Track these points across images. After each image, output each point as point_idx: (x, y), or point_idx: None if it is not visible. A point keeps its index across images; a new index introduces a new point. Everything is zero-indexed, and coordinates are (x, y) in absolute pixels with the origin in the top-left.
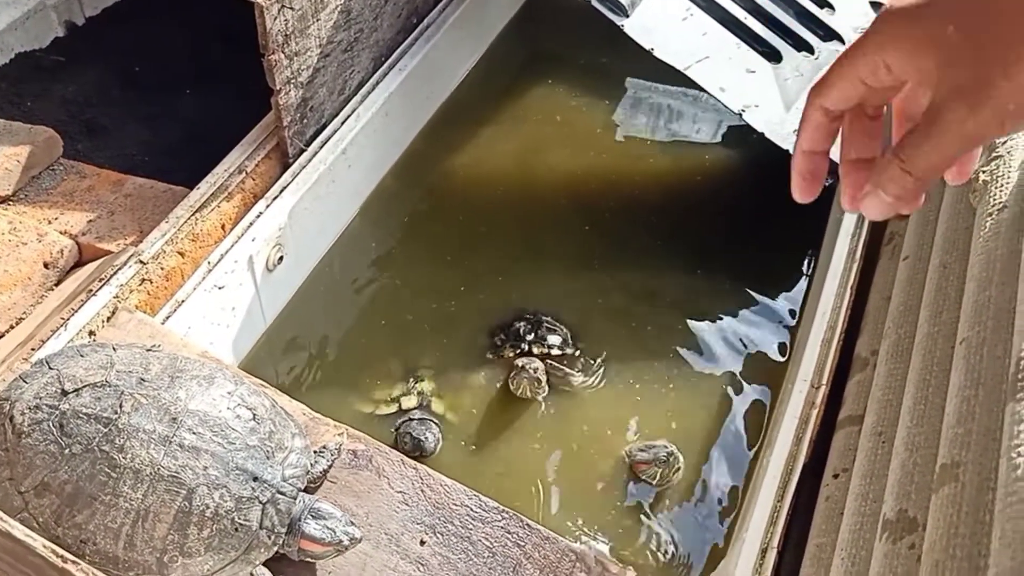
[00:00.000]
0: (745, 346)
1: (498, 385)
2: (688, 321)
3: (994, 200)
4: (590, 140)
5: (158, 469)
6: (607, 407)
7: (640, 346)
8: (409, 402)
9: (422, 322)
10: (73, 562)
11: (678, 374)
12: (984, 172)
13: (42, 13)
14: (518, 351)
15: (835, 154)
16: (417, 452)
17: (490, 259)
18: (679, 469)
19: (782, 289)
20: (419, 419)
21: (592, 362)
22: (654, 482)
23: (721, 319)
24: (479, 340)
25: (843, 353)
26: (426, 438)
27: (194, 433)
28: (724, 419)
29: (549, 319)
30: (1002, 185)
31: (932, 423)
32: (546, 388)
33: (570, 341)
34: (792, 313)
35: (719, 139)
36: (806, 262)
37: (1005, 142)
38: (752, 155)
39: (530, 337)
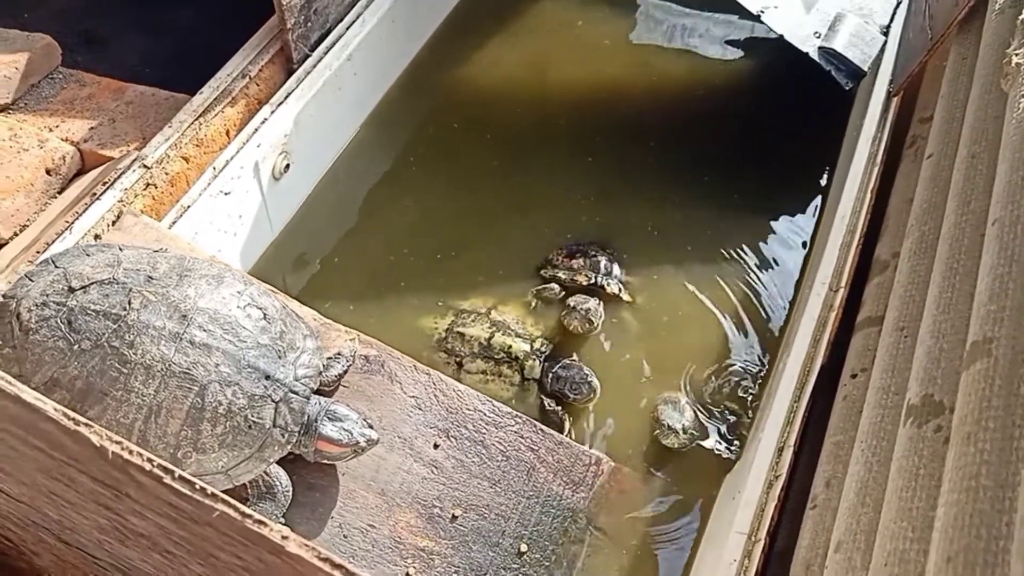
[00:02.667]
0: (768, 257)
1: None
2: (713, 239)
3: None
4: (601, 52)
5: (169, 365)
6: (651, 339)
7: (672, 271)
8: (523, 346)
9: (436, 244)
10: (86, 425)
11: (709, 292)
12: (1018, 55)
13: None
14: (568, 282)
15: (857, 58)
16: (591, 394)
17: (498, 178)
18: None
19: (800, 202)
20: (561, 364)
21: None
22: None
23: (744, 235)
24: (506, 266)
25: (863, 258)
26: (586, 374)
27: (205, 330)
28: (747, 330)
29: (593, 248)
30: None
31: (959, 309)
32: (599, 325)
33: (611, 270)
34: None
35: (734, 52)
36: (825, 175)
37: None
38: (769, 65)
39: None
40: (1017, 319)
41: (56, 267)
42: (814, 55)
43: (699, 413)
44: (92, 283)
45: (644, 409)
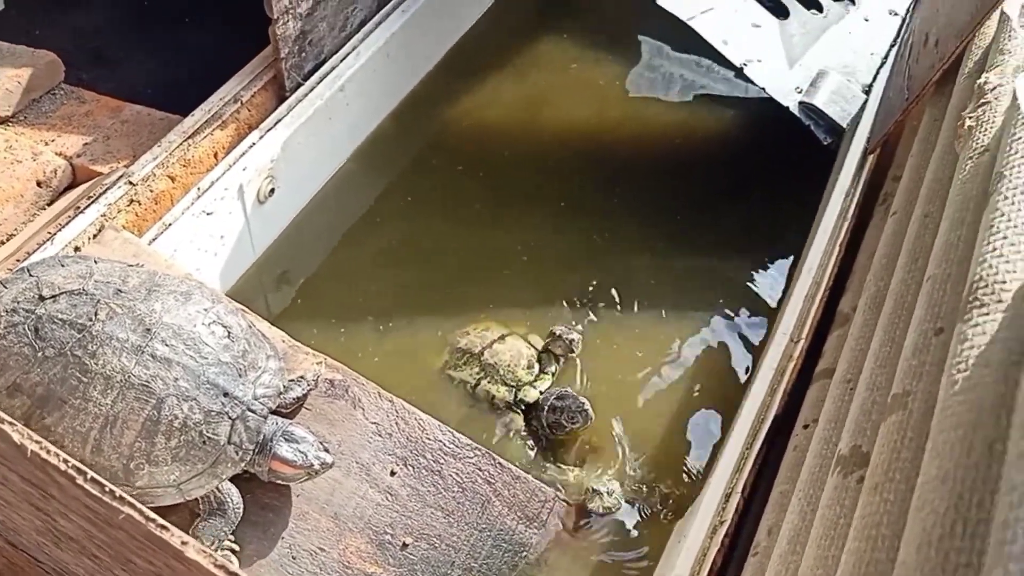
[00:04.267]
0: (744, 304)
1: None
2: (694, 288)
3: (977, 144)
4: (597, 93)
5: (128, 377)
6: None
7: (649, 304)
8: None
9: (419, 277)
10: (10, 423)
11: (686, 330)
12: (971, 118)
13: None
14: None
15: (836, 115)
16: (588, 422)
17: (485, 216)
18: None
19: (781, 254)
20: (557, 395)
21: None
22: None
23: (724, 278)
24: (488, 305)
25: (828, 310)
26: (582, 403)
27: (167, 345)
28: (719, 374)
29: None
30: (986, 130)
31: (893, 363)
32: (579, 348)
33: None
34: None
35: (728, 101)
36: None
37: (994, 88)
38: (760, 116)
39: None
40: (935, 375)
41: (30, 276)
42: (794, 109)
43: (640, 474)
44: (62, 293)
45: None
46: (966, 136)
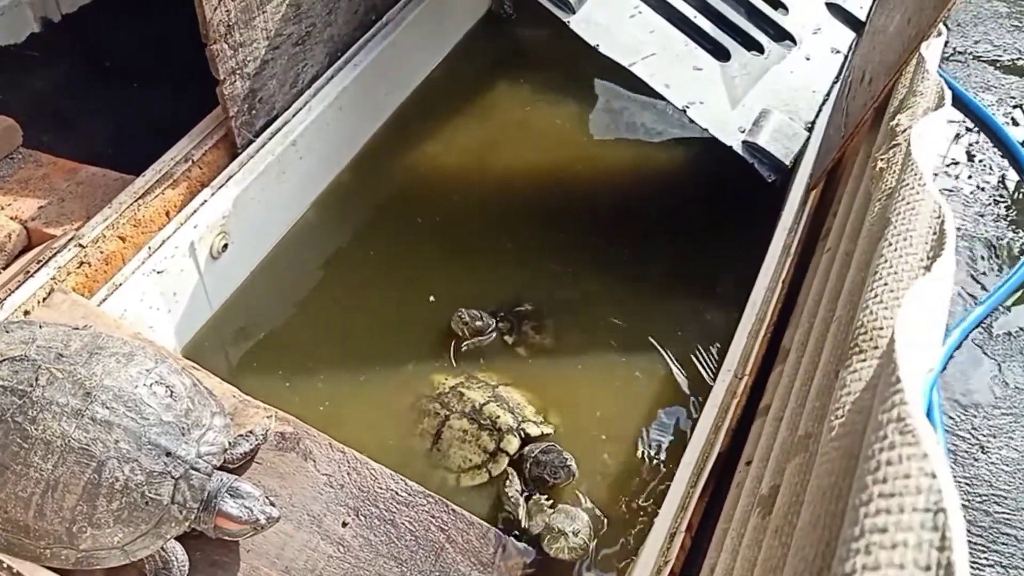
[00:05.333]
0: (692, 336)
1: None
2: (639, 313)
3: (885, 185)
4: (553, 135)
5: (68, 441)
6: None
7: (589, 338)
8: (511, 446)
9: (373, 317)
10: None
11: (630, 364)
12: (882, 159)
13: (18, 9)
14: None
15: (779, 153)
16: (570, 478)
17: (443, 262)
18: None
19: (731, 290)
20: (542, 449)
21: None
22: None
23: (680, 312)
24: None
25: (773, 346)
26: (565, 458)
27: (107, 407)
28: (664, 408)
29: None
30: (894, 172)
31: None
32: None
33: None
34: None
35: (678, 139)
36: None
37: (905, 130)
38: (714, 155)
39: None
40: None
41: None
42: (738, 149)
43: (598, 514)
44: (4, 359)
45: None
46: (877, 177)
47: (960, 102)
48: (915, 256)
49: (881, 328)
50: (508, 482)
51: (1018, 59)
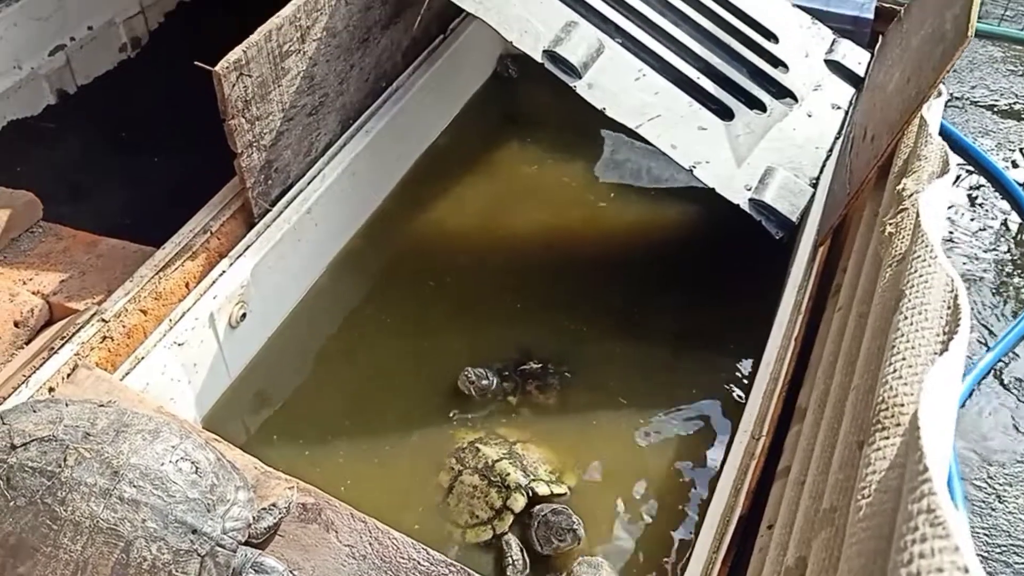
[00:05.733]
0: (704, 391)
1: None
2: (651, 370)
3: (895, 251)
4: (560, 194)
5: (97, 522)
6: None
7: (600, 396)
8: (518, 503)
9: (388, 380)
10: None
11: (644, 424)
12: (891, 224)
13: (35, 82)
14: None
15: (786, 210)
16: (575, 543)
17: (455, 323)
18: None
19: (743, 347)
20: (552, 509)
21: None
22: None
23: (687, 369)
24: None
25: (789, 403)
26: (573, 522)
27: (134, 486)
28: (681, 466)
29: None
30: (904, 237)
31: (829, 470)
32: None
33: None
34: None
35: (685, 192)
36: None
37: (911, 195)
38: (722, 210)
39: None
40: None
41: (3, 424)
42: (745, 207)
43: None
44: (33, 440)
45: None
46: (886, 242)
47: (960, 147)
48: (931, 331)
49: (902, 405)
50: (507, 544)
51: (1015, 103)
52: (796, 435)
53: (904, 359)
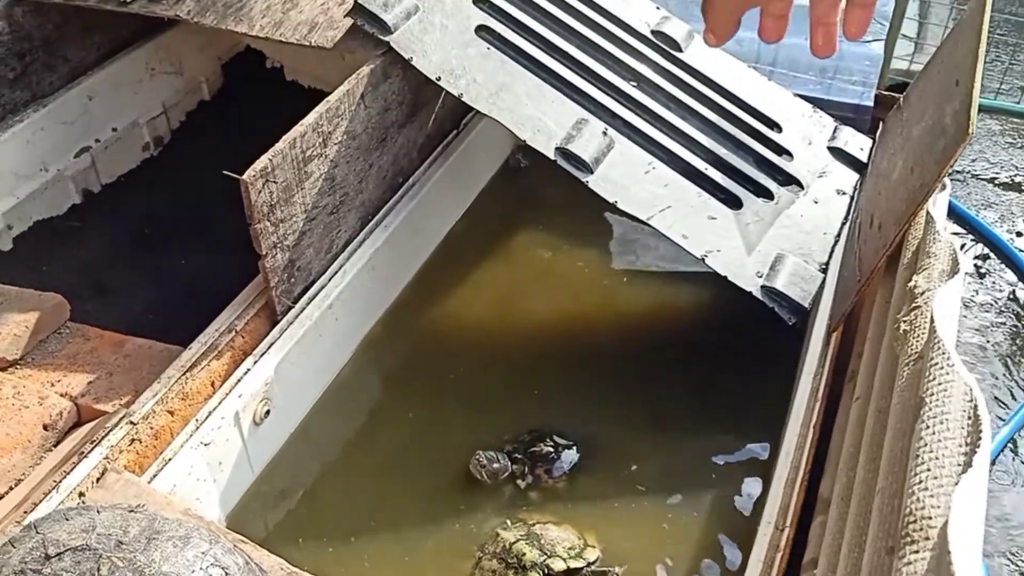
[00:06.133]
0: (722, 478)
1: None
2: (668, 454)
3: (911, 350)
4: (574, 280)
5: None
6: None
7: (613, 481)
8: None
9: (408, 470)
10: None
11: (657, 506)
12: (904, 322)
13: (60, 183)
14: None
15: (798, 296)
16: None
17: (473, 404)
18: None
19: (759, 436)
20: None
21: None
22: None
23: (706, 456)
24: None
25: (809, 494)
26: None
27: None
28: (702, 559)
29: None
30: (919, 336)
31: (858, 572)
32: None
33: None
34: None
35: (699, 276)
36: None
37: (923, 293)
38: (735, 296)
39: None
40: None
41: (37, 532)
42: (757, 294)
43: None
44: (67, 550)
45: None
46: (902, 340)
47: (963, 221)
48: (953, 441)
49: (930, 518)
50: None
51: (1015, 176)
52: (820, 526)
53: (929, 470)
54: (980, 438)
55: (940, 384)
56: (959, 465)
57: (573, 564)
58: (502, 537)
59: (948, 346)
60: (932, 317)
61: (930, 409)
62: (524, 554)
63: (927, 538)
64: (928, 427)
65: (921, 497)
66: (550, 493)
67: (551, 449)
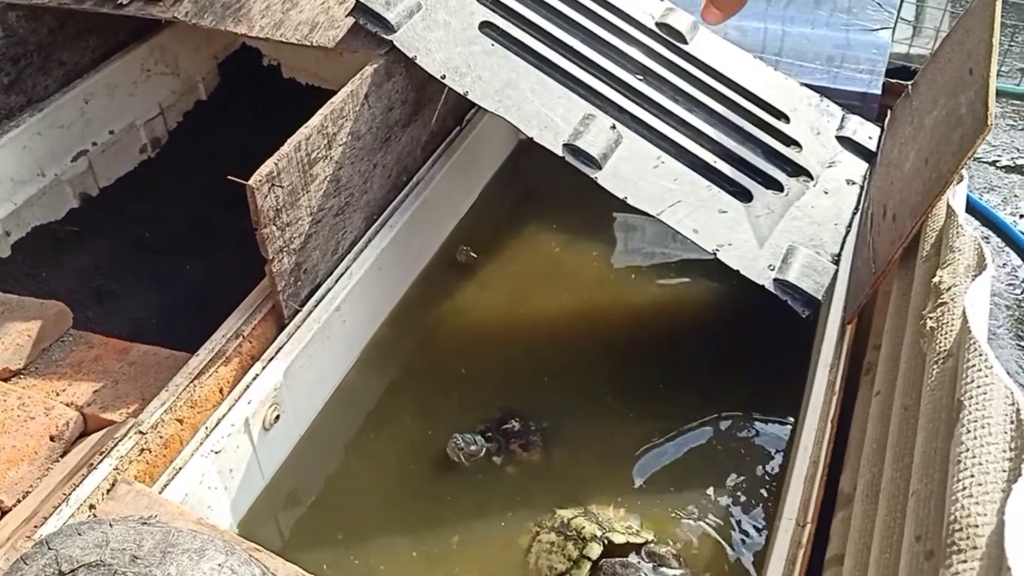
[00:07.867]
0: (737, 474)
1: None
2: (685, 459)
3: (940, 348)
4: (582, 274)
5: None
6: None
7: (647, 481)
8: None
9: (426, 478)
10: None
11: (669, 505)
12: (931, 318)
13: (58, 188)
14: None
15: (810, 288)
16: None
17: (480, 397)
18: None
19: (772, 429)
20: (620, 562)
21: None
22: None
23: (722, 453)
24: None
25: (829, 487)
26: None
27: None
28: (727, 558)
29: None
30: (947, 333)
31: (893, 571)
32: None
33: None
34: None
35: (710, 267)
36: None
37: (949, 288)
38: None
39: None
40: None
41: (49, 549)
42: (770, 287)
43: None
44: (81, 566)
45: None
46: (929, 337)
47: (968, 205)
48: (996, 446)
49: (977, 526)
50: None
51: (1017, 158)
52: (842, 522)
53: (972, 476)
54: None
55: (979, 387)
56: (1004, 471)
57: (633, 539)
58: (560, 514)
59: (984, 347)
60: (965, 316)
61: (970, 412)
62: (584, 527)
63: (975, 547)
64: (969, 431)
65: (966, 504)
66: (524, 466)
67: (521, 425)
